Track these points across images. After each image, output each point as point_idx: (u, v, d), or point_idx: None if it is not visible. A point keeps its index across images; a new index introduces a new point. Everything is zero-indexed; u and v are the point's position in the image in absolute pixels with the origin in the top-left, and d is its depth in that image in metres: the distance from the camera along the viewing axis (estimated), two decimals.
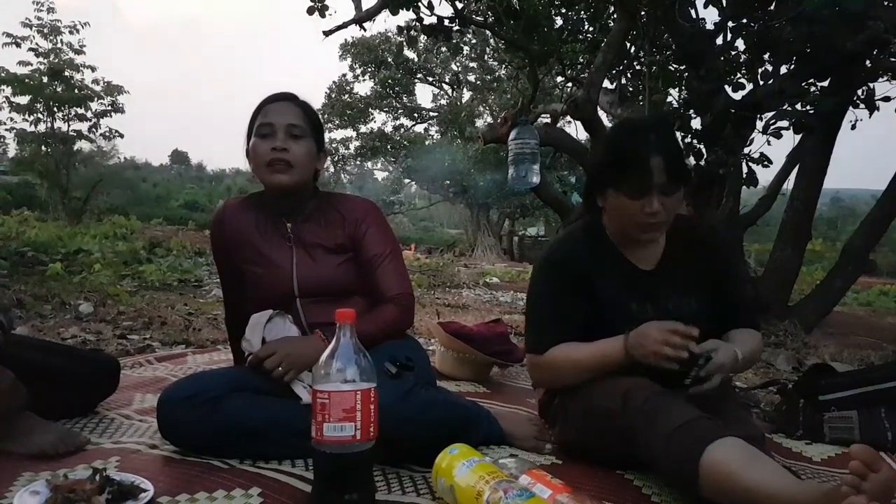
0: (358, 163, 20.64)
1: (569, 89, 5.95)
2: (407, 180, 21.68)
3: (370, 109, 19.66)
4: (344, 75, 19.08)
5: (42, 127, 15.94)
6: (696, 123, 4.20)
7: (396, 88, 19.45)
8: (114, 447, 1.59)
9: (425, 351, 1.92)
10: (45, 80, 15.59)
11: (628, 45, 4.65)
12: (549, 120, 5.04)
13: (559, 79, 6.58)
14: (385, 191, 21.59)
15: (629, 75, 5.09)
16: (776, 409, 2.13)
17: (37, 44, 15.42)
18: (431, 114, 20.39)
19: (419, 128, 20.92)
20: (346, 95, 19.24)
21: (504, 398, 2.23)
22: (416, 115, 20.48)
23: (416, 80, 19.75)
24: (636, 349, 1.46)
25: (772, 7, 4.05)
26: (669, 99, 4.95)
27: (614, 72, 4.84)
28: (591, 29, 5.22)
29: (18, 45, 15.21)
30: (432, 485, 1.36)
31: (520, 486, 1.19)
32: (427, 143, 20.01)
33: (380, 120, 20.03)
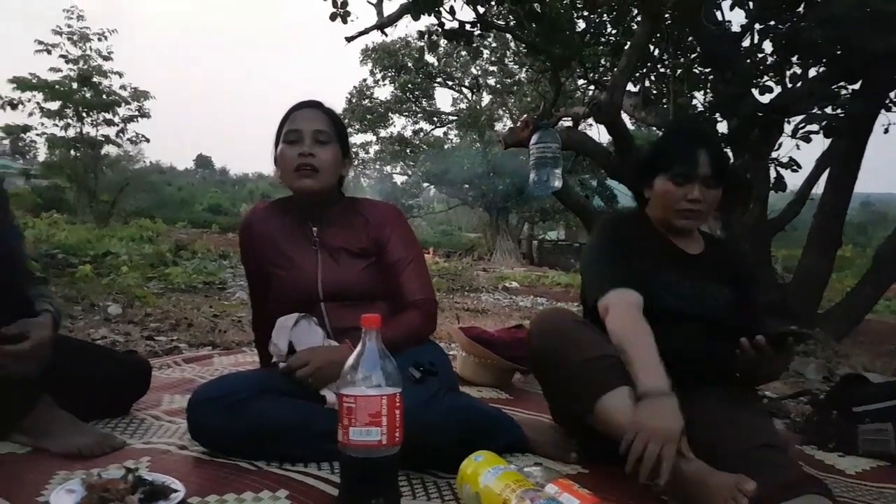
0: (377, 167, 20.75)
1: (591, 92, 5.92)
2: (426, 184, 21.74)
3: (390, 114, 19.79)
4: (364, 80, 19.24)
5: (71, 132, 16.32)
6: (722, 127, 4.16)
7: (416, 93, 19.54)
8: (144, 447, 1.61)
9: (447, 356, 1.92)
10: (74, 86, 15.93)
11: (652, 47, 4.62)
12: (570, 123, 5.02)
13: (580, 82, 6.56)
14: (404, 194, 21.67)
15: (653, 78, 5.06)
16: (807, 420, 2.10)
17: (67, 51, 15.79)
18: (451, 118, 20.44)
19: (438, 132, 21.01)
20: (367, 100, 19.39)
21: (526, 405, 2.22)
22: (435, 118, 20.54)
23: (436, 84, 19.82)
24: (644, 414, 1.35)
25: (800, 9, 4.00)
26: (694, 102, 4.91)
27: (637, 74, 4.82)
28: (613, 32, 5.19)
29: (49, 52, 15.59)
30: (457, 491, 1.36)
31: (547, 496, 1.19)
32: (446, 146, 20.06)
33: (399, 124, 20.18)
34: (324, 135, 1.74)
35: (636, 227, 1.74)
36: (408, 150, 19.84)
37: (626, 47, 4.49)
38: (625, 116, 4.74)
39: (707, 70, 4.61)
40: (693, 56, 4.75)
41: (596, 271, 1.68)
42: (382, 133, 19.94)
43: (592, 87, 5.80)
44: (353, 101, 19.31)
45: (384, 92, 20.48)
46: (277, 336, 1.72)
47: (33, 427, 1.55)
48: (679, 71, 4.71)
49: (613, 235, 1.72)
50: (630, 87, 4.65)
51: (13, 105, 15.18)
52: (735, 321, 1.54)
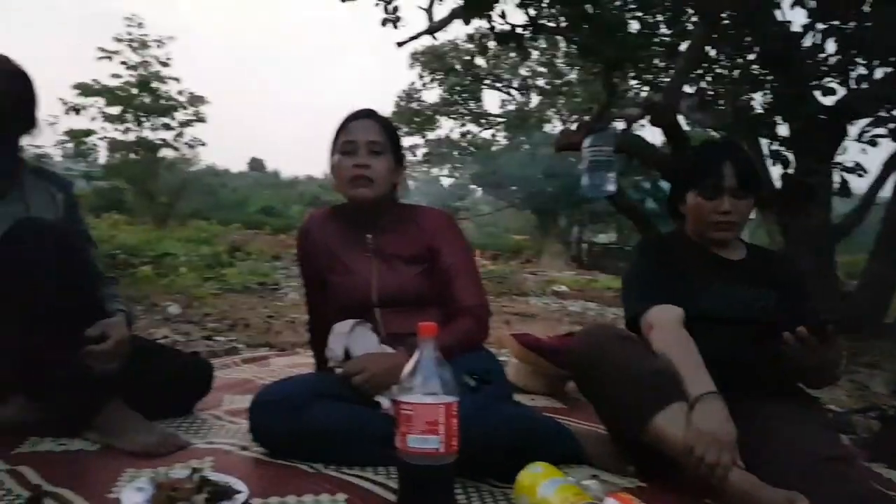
0: (424, 169, 20.84)
1: (644, 94, 5.83)
2: (473, 186, 21.72)
3: (437, 116, 19.85)
4: (412, 83, 19.34)
5: (131, 135, 16.85)
6: (783, 130, 4.04)
7: (464, 95, 19.54)
8: (207, 447, 1.66)
9: (501, 364, 1.92)
10: (134, 91, 16.48)
11: (708, 48, 4.51)
12: (623, 125, 4.94)
13: (633, 83, 6.45)
14: (451, 197, 21.72)
15: (709, 79, 4.95)
16: (875, 436, 2.02)
17: (127, 57, 16.32)
18: (499, 119, 20.37)
19: (486, 134, 20.96)
20: (414, 103, 19.49)
21: (582, 415, 2.17)
22: (483, 120, 20.52)
23: (484, 86, 19.79)
24: (700, 419, 1.37)
25: (865, 7, 3.85)
26: (752, 104, 4.77)
27: (693, 76, 4.71)
28: (667, 32, 5.09)
29: (110, 59, 16.14)
30: (513, 501, 1.36)
31: None
32: (494, 148, 20.00)
33: (447, 126, 20.19)
34: (378, 145, 1.77)
35: (676, 243, 1.80)
36: (455, 153, 19.89)
37: (681, 48, 4.41)
38: (680, 118, 4.65)
39: (766, 71, 4.47)
40: (751, 56, 4.62)
41: (637, 290, 1.73)
42: (430, 136, 20.05)
43: (646, 88, 5.71)
44: (402, 104, 19.46)
45: (432, 95, 20.56)
46: (334, 341, 1.75)
47: (104, 425, 1.62)
48: (737, 72, 4.59)
49: (653, 255, 1.79)
50: (686, 88, 4.56)
51: (77, 110, 15.82)
52: (782, 324, 1.50)
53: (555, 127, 18.55)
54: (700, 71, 4.77)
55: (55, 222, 1.69)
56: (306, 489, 1.40)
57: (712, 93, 4.94)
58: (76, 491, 1.32)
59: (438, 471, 1.22)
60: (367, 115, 1.84)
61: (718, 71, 4.90)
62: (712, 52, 4.75)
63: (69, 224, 1.77)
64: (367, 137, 1.77)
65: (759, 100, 4.74)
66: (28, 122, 1.65)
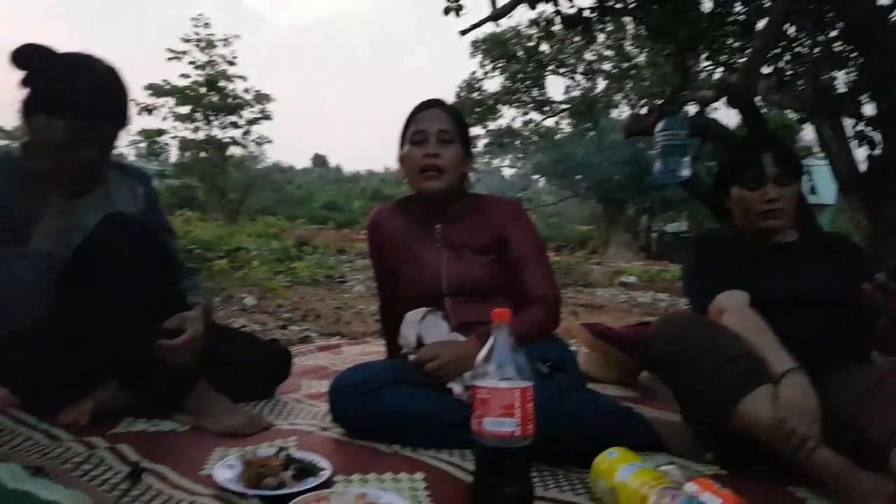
0: (486, 160, 20.73)
1: (719, 75, 5.62)
2: (535, 176, 21.48)
3: (499, 105, 19.64)
4: (473, 73, 19.22)
5: (201, 134, 17.49)
6: (868, 109, 3.82)
7: (527, 82, 19.27)
8: (290, 428, 1.73)
9: (572, 352, 1.91)
10: (202, 90, 17.03)
11: (787, 25, 4.30)
12: (696, 108, 4.79)
13: (705, 64, 6.23)
14: (513, 188, 21.58)
15: (788, 58, 4.72)
16: None
17: (195, 57, 16.89)
18: (563, 106, 20.04)
19: (549, 121, 20.64)
20: (475, 93, 19.35)
21: (656, 404, 2.14)
22: (546, 108, 20.19)
23: (548, 73, 19.47)
24: (788, 392, 1.38)
25: None
26: (836, 83, 4.53)
27: (771, 55, 4.51)
28: (743, 11, 4.89)
29: (179, 59, 16.77)
30: (591, 486, 1.36)
31: (687, 494, 1.16)
32: (557, 136, 19.68)
33: (508, 116, 19.93)
34: (447, 134, 1.78)
35: (730, 237, 1.82)
36: (517, 142, 19.70)
37: (757, 27, 4.22)
38: (757, 101, 4.46)
39: (850, 48, 4.23)
40: (834, 33, 4.38)
41: (701, 281, 1.74)
42: (491, 125, 19.89)
43: (720, 69, 5.50)
44: (462, 94, 19.38)
45: (493, 84, 20.41)
46: (406, 329, 1.79)
47: (192, 408, 1.70)
48: (818, 49, 4.36)
49: (710, 249, 1.80)
50: (763, 68, 4.37)
51: (149, 110, 16.52)
52: (850, 300, 1.50)
53: (622, 112, 18.06)
54: (778, 50, 4.55)
55: (141, 217, 1.77)
56: (386, 468, 1.44)
57: (791, 72, 4.72)
58: (171, 467, 1.39)
59: (514, 453, 1.23)
60: (436, 104, 1.85)
61: (798, 49, 4.67)
62: (791, 31, 4.53)
63: (151, 217, 1.86)
64: (436, 127, 1.78)
65: (841, 78, 4.49)
66: (123, 118, 1.71)
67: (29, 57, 1.62)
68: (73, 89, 1.59)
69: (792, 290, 1.63)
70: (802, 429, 1.33)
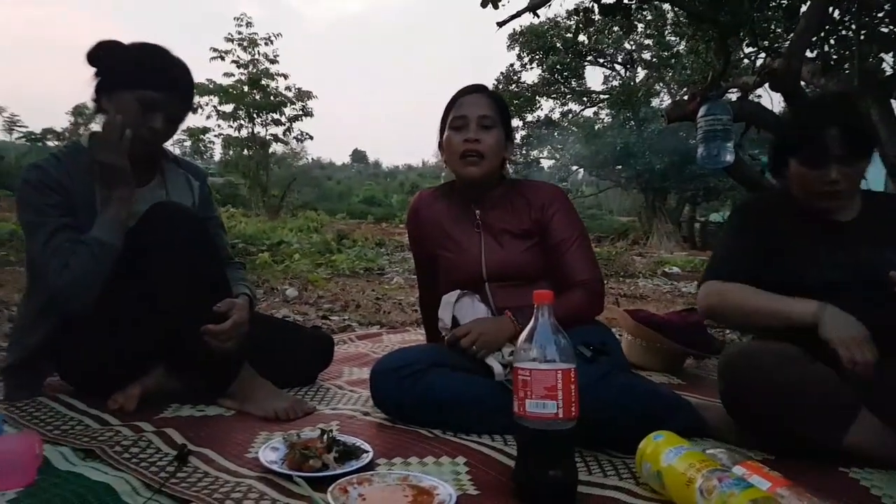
0: (524, 152, 20.57)
1: (762, 60, 5.46)
2: (574, 167, 21.23)
3: (537, 97, 19.49)
4: (511, 65, 19.10)
5: (244, 132, 17.77)
6: None
7: (565, 73, 19.06)
8: (332, 413, 1.75)
9: (616, 337, 1.89)
10: (245, 89, 17.29)
11: (832, 8, 4.15)
12: (738, 94, 4.67)
13: (747, 49, 6.07)
14: (551, 179, 21.34)
15: (833, 41, 4.56)
16: None
17: (238, 56, 17.15)
18: (602, 96, 19.78)
19: (588, 112, 20.41)
20: (514, 85, 19.23)
21: (701, 390, 2.11)
22: (585, 98, 19.97)
23: (586, 63, 19.23)
24: (832, 330, 1.40)
25: None
26: (883, 66, 4.35)
27: (815, 39, 4.36)
28: None
29: (223, 59, 17.04)
30: (635, 470, 1.34)
31: (735, 476, 1.14)
32: (597, 127, 19.43)
33: (547, 107, 19.77)
34: (488, 119, 1.77)
35: (780, 207, 1.68)
36: (555, 133, 19.51)
37: (801, 10, 4.09)
38: (802, 85, 4.32)
39: None
40: (880, 14, 4.21)
41: (719, 256, 1.71)
42: (529, 117, 19.75)
43: (763, 54, 5.35)
44: (500, 87, 19.27)
45: (531, 76, 20.29)
46: (443, 311, 1.80)
47: (238, 393, 1.73)
48: (864, 31, 4.19)
49: (745, 223, 1.70)
50: (807, 52, 4.23)
51: (193, 109, 16.82)
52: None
53: (662, 101, 17.75)
54: (822, 33, 4.40)
55: (187, 207, 1.81)
56: (427, 452, 1.44)
57: (836, 56, 4.55)
58: (217, 450, 1.42)
59: (557, 435, 1.22)
60: (478, 89, 1.84)
61: (843, 32, 4.50)
62: (836, 13, 4.37)
63: (204, 211, 1.90)
64: (477, 112, 1.77)
65: (888, 61, 4.32)
66: (188, 96, 1.79)
67: (100, 52, 1.70)
68: (143, 64, 1.69)
69: (839, 275, 1.54)
70: (860, 356, 1.35)
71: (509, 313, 1.68)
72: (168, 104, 1.71)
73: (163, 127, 1.71)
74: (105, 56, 1.70)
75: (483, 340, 1.64)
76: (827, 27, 4.39)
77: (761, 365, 1.46)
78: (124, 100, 1.66)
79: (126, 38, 1.74)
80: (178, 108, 1.76)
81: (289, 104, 17.89)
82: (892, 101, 4.05)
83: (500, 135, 1.79)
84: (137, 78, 1.67)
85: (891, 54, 4.38)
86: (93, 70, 1.71)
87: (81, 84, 1.72)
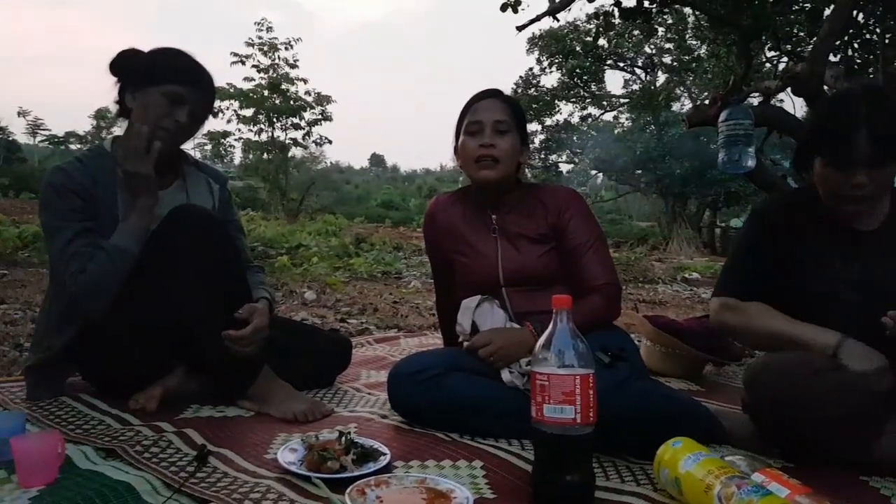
0: (542, 156, 20.53)
1: (784, 64, 5.41)
2: (593, 171, 21.13)
3: (556, 101, 19.43)
4: (531, 69, 19.07)
5: (263, 136, 17.89)
6: None
7: (584, 77, 18.99)
8: (350, 415, 1.76)
9: (635, 343, 1.88)
10: (265, 93, 17.42)
11: (856, 11, 4.10)
12: (759, 98, 4.62)
13: (770, 53, 6.01)
14: (569, 184, 21.24)
15: (856, 45, 4.50)
16: None
17: (258, 61, 17.26)
18: (622, 101, 19.67)
19: (608, 116, 20.31)
20: (533, 89, 19.19)
21: (722, 398, 2.09)
22: (605, 102, 19.88)
23: (606, 67, 19.15)
24: (850, 362, 1.39)
25: None
26: None
27: (838, 43, 4.31)
28: None
29: (243, 63, 17.17)
30: (653, 476, 1.33)
31: (754, 483, 1.13)
32: (616, 131, 19.32)
33: (566, 111, 19.71)
34: (503, 124, 1.77)
35: (800, 208, 1.61)
36: (574, 138, 19.44)
37: (825, 13, 4.04)
38: (825, 89, 4.28)
39: None
40: None
41: (732, 269, 1.69)
42: (548, 122, 19.70)
43: (785, 58, 5.30)
44: (519, 91, 19.24)
45: (550, 80, 20.18)
46: (462, 317, 1.80)
47: (256, 395, 1.75)
48: (889, 35, 4.14)
49: (760, 231, 1.65)
50: (830, 57, 4.18)
51: (214, 113, 16.95)
52: None
53: (683, 105, 17.62)
54: (846, 37, 4.35)
55: (208, 210, 1.82)
56: (444, 455, 1.45)
57: (860, 60, 4.50)
58: (236, 451, 1.44)
59: (575, 441, 1.22)
60: (492, 94, 1.84)
61: (867, 36, 4.45)
62: (860, 16, 4.32)
63: (223, 213, 1.92)
64: (492, 117, 1.77)
65: None
66: (209, 95, 1.83)
67: (122, 60, 1.74)
68: (166, 62, 1.74)
69: (854, 292, 1.49)
70: (878, 386, 1.35)
71: (530, 326, 1.67)
72: (192, 98, 1.74)
73: (187, 121, 1.74)
74: (127, 61, 1.74)
75: (502, 354, 1.65)
76: (851, 31, 4.34)
77: (791, 377, 1.42)
78: (149, 94, 1.70)
79: (147, 46, 1.78)
80: (202, 103, 1.79)
81: (308, 108, 18.00)
82: None
83: (515, 139, 1.79)
84: (161, 74, 1.71)
85: None
86: (114, 77, 1.75)
87: (104, 88, 1.77)
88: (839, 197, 1.50)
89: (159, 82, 1.70)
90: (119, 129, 1.79)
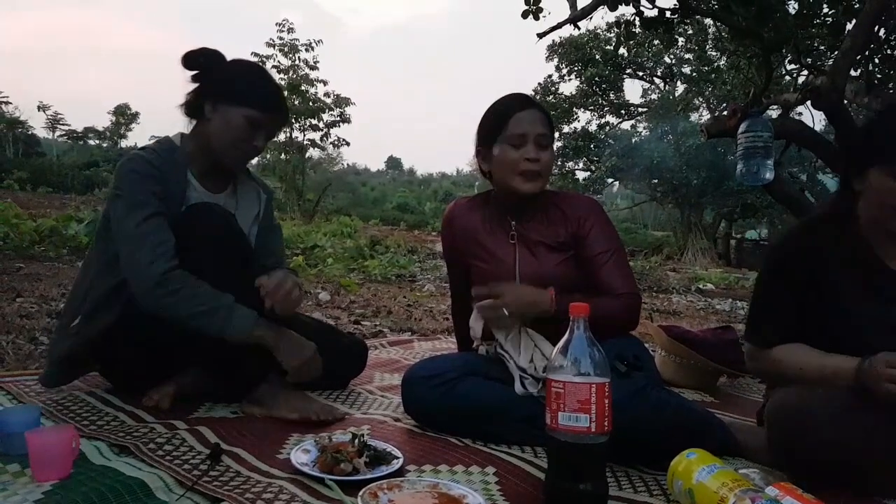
0: (559, 163, 20.48)
1: (804, 77, 5.38)
2: (609, 180, 21.07)
3: (574, 109, 19.42)
4: (550, 76, 19.07)
5: (282, 136, 18.04)
6: None
7: (603, 85, 18.97)
8: (364, 417, 1.77)
9: (650, 352, 1.87)
10: (285, 94, 17.56)
11: (877, 27, 4.07)
12: (778, 111, 4.60)
13: (790, 66, 5.98)
14: (585, 191, 21.16)
15: (877, 60, 4.47)
16: None
17: (279, 61, 17.42)
18: (640, 109, 19.61)
19: (626, 124, 20.27)
20: (551, 96, 19.19)
21: (736, 410, 2.07)
22: (623, 111, 19.84)
23: (625, 76, 19.12)
24: (869, 379, 1.32)
25: None
26: None
27: (859, 57, 4.27)
28: (831, 12, 4.66)
29: (264, 63, 17.34)
30: (667, 487, 1.32)
31: (768, 497, 1.12)
32: (634, 140, 19.26)
33: (584, 119, 19.69)
34: (546, 138, 1.74)
35: (830, 241, 1.48)
36: (591, 146, 19.39)
37: (847, 27, 4.01)
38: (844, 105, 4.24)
39: None
40: None
41: (759, 317, 1.60)
42: (566, 129, 19.67)
43: (805, 71, 5.27)
44: (538, 97, 19.25)
45: (569, 87, 20.17)
46: (474, 321, 1.81)
47: (263, 399, 1.72)
48: None
49: (785, 274, 1.54)
50: (851, 71, 4.15)
51: None
52: None
53: (701, 116, 17.55)
54: (867, 52, 4.31)
55: (219, 206, 1.79)
56: (457, 460, 1.45)
57: (881, 75, 4.46)
58: (249, 450, 1.44)
59: (589, 449, 1.21)
60: (531, 103, 1.80)
61: (888, 51, 4.41)
62: (881, 32, 4.29)
63: (266, 220, 1.94)
64: (536, 130, 1.73)
65: None
66: (286, 120, 1.91)
67: (201, 58, 1.77)
68: (254, 84, 1.78)
69: (881, 339, 1.36)
70: None
71: (552, 291, 1.64)
72: (271, 126, 1.80)
73: (263, 146, 1.81)
74: (209, 64, 1.78)
75: (516, 305, 1.63)
76: (872, 46, 4.31)
77: (817, 417, 1.34)
78: (231, 114, 1.73)
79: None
80: (278, 128, 1.86)
81: (327, 110, 18.11)
82: None
83: (553, 152, 1.79)
84: (245, 96, 1.74)
85: None
86: (189, 72, 1.77)
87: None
88: None
89: (242, 104, 1.73)
90: (183, 127, 1.82)
